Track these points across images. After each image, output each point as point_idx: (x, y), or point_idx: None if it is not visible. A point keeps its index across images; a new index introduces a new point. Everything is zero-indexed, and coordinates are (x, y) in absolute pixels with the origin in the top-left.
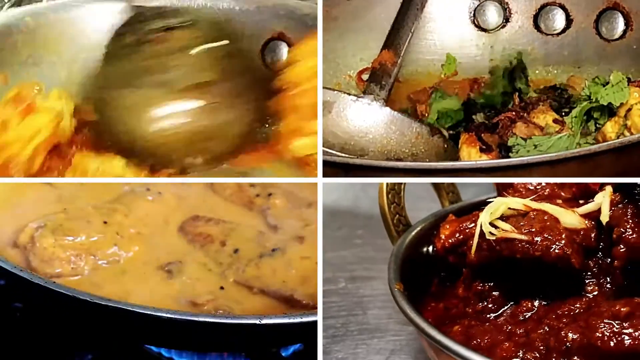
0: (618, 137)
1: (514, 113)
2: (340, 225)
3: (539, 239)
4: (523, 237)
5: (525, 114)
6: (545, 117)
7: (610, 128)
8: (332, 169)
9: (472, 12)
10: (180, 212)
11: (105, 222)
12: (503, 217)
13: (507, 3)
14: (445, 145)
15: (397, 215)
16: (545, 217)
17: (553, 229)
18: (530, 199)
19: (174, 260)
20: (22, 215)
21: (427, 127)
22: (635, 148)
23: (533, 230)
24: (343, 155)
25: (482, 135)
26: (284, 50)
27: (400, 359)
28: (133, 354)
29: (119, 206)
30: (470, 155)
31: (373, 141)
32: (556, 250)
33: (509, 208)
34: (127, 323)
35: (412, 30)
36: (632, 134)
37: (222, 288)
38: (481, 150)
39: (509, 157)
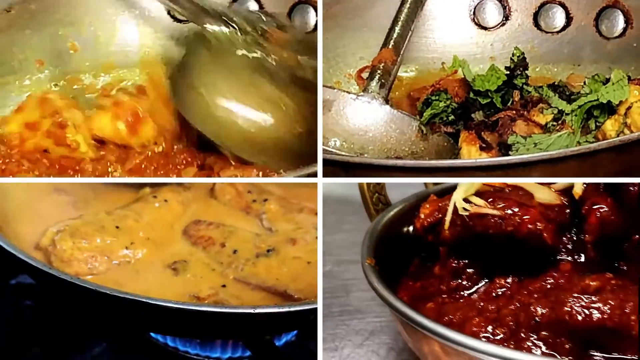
0: (618, 135)
1: (514, 111)
2: (332, 211)
3: (511, 213)
4: (496, 212)
5: (525, 112)
6: (545, 115)
7: (610, 126)
8: (332, 167)
9: (472, 10)
10: (184, 217)
11: (117, 227)
12: (479, 194)
13: (507, 1)
14: (445, 144)
15: (377, 194)
16: (520, 193)
17: (526, 204)
18: None
19: (179, 259)
20: (43, 220)
21: (427, 125)
22: (636, 146)
23: (506, 205)
24: (343, 153)
25: (482, 133)
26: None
27: (379, 340)
28: (142, 345)
29: (129, 212)
30: (470, 153)
31: (373, 139)
32: (528, 226)
33: (484, 184)
34: (139, 313)
35: (412, 29)
36: (632, 132)
37: (224, 286)
38: (481, 148)
39: (509, 155)
